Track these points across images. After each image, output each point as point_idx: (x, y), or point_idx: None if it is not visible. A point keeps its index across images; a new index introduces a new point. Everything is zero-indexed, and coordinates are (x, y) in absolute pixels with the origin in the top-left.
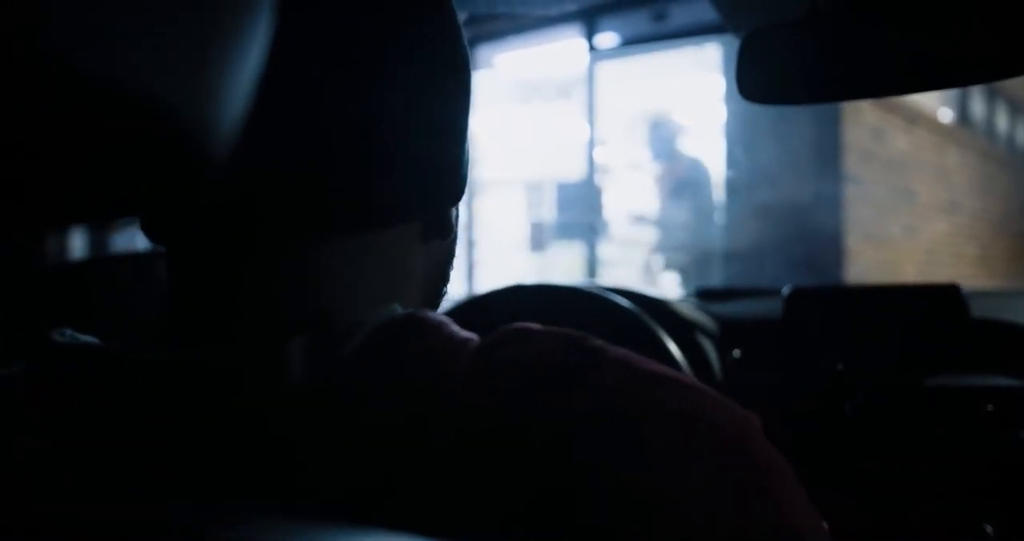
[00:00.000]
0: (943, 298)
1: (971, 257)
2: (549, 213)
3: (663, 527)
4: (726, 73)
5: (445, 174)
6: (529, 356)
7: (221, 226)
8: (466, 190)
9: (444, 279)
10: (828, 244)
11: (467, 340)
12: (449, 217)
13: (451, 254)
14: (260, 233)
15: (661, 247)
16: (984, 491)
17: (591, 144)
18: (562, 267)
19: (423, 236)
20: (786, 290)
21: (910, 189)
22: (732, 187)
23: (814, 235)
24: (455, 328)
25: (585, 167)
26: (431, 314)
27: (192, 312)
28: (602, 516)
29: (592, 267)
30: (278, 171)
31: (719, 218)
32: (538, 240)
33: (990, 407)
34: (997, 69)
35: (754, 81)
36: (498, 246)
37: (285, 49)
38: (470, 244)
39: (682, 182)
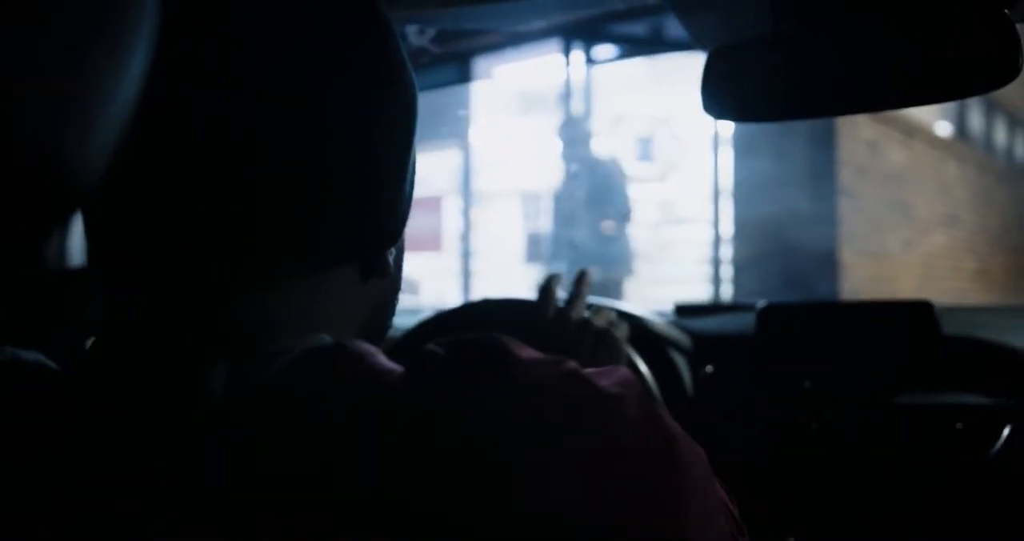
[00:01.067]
0: (915, 315)
1: (969, 271)
2: (546, 224)
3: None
4: None
5: (380, 217)
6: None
7: (153, 256)
8: (401, 232)
9: (386, 315)
10: (822, 258)
11: (388, 371)
12: (385, 258)
13: (394, 291)
14: (189, 265)
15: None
16: (953, 509)
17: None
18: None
19: (362, 275)
20: (759, 306)
21: (907, 203)
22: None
23: (808, 250)
24: (379, 359)
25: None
26: (356, 344)
27: (120, 335)
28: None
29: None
30: (211, 207)
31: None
32: (535, 252)
33: (959, 425)
34: (959, 88)
35: (718, 98)
36: (496, 258)
37: (213, 89)
38: (467, 255)
39: (595, 189)
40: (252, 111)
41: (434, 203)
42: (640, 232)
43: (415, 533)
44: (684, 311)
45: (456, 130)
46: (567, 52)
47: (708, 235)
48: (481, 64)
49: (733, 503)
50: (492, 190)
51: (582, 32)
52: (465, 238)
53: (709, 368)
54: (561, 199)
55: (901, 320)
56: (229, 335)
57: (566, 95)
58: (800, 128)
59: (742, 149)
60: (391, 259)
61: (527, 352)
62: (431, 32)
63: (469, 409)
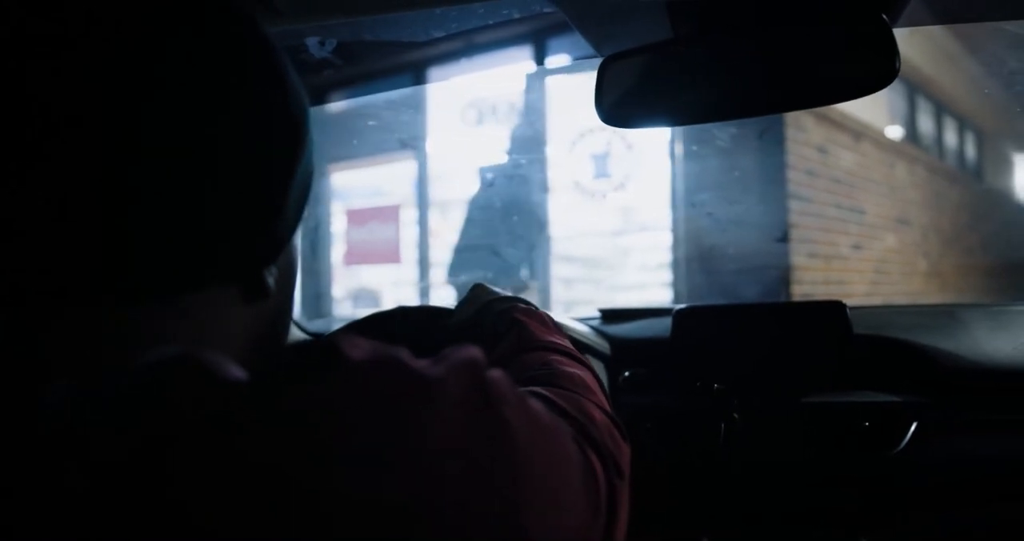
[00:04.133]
0: (827, 316)
1: (921, 272)
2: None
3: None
4: None
5: (253, 238)
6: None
7: (10, 284)
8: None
9: (276, 335)
10: (774, 262)
11: (227, 379)
12: (262, 279)
13: (281, 311)
14: (54, 286)
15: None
16: (861, 506)
17: (544, 164)
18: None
19: (243, 298)
20: (676, 309)
21: (857, 205)
22: (677, 203)
23: (760, 253)
24: (221, 368)
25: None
26: (200, 354)
27: None
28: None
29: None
30: (77, 227)
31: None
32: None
33: (867, 423)
34: (843, 91)
35: (613, 104)
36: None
37: (81, 106)
38: (425, 265)
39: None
40: (118, 131)
41: (392, 213)
42: (600, 240)
43: None
44: (608, 316)
45: (413, 140)
46: (540, 58)
47: (667, 241)
48: (435, 74)
49: (613, 470)
50: (450, 199)
51: (549, 40)
52: (423, 248)
53: (627, 373)
54: (479, 209)
55: (813, 321)
56: (91, 355)
57: (522, 106)
58: (749, 133)
59: (692, 155)
60: (271, 280)
61: (359, 350)
62: (332, 44)
63: (285, 422)
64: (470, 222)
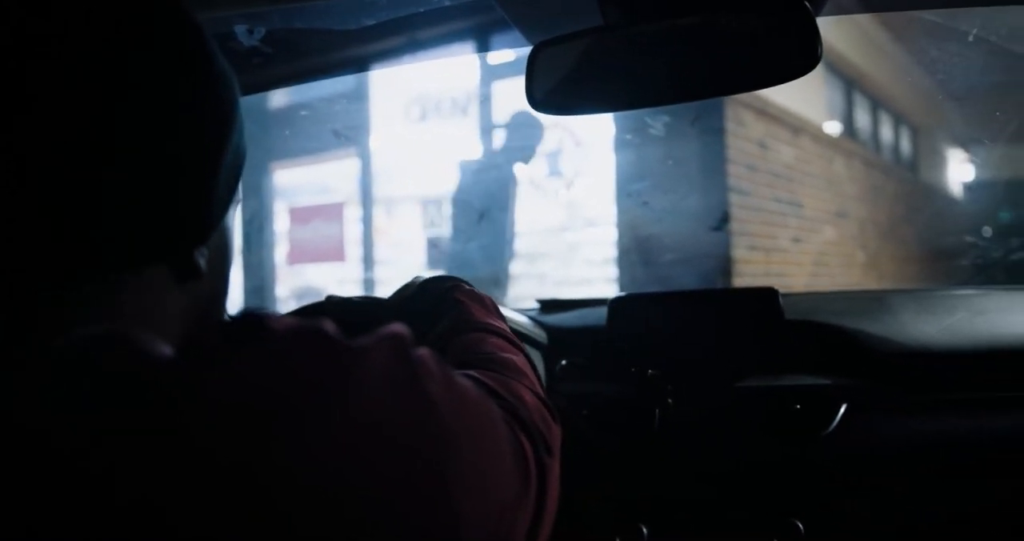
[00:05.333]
0: (759, 302)
1: (859, 264)
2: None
3: None
4: None
5: (178, 218)
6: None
7: None
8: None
9: (212, 316)
10: (715, 254)
11: (153, 354)
12: (193, 260)
13: (216, 293)
14: None
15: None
16: (793, 488)
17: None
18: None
19: (176, 278)
20: (612, 298)
21: (797, 199)
22: (622, 199)
23: (701, 246)
24: (149, 345)
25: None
26: (127, 332)
27: None
28: None
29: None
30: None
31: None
32: (436, 257)
33: (798, 406)
34: (768, 76)
35: (544, 91)
36: (400, 265)
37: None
38: (369, 263)
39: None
40: (45, 116)
41: (336, 211)
42: (547, 236)
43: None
44: (547, 306)
45: (355, 137)
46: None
47: (613, 236)
48: (380, 69)
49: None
50: (394, 196)
51: (493, 35)
52: (367, 245)
53: (564, 361)
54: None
55: (746, 307)
56: (30, 336)
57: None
58: (689, 128)
59: (634, 151)
60: (202, 261)
61: (282, 323)
62: (261, 32)
63: (209, 397)
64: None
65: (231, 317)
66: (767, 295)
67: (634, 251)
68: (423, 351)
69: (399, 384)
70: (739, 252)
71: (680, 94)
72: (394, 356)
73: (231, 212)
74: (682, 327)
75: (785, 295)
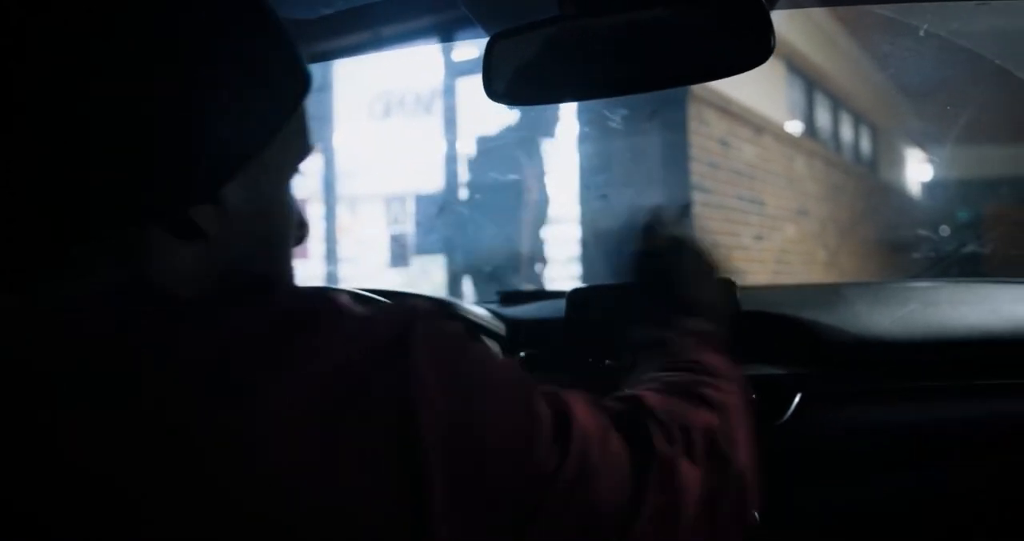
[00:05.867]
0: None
1: (820, 262)
2: (410, 227)
3: None
4: None
5: (163, 175)
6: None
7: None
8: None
9: (240, 276)
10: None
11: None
12: (189, 219)
13: (244, 254)
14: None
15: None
16: None
17: (451, 158)
18: (427, 280)
19: (176, 236)
20: (570, 290)
21: (758, 197)
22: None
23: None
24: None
25: (445, 181)
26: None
27: None
28: None
29: (456, 279)
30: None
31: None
32: (399, 254)
33: (753, 396)
34: (722, 68)
35: (501, 82)
36: (364, 262)
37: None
38: (332, 260)
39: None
40: (29, 72)
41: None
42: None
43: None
44: (507, 299)
45: (317, 133)
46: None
47: (577, 234)
48: (342, 66)
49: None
50: (358, 194)
51: (457, 31)
52: (330, 243)
53: (523, 353)
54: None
55: None
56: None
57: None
58: (652, 126)
59: (596, 148)
60: (207, 221)
61: (294, 289)
62: None
63: (162, 350)
64: None
65: (254, 279)
66: (724, 286)
67: (597, 249)
68: (451, 326)
69: (385, 351)
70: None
71: (634, 85)
72: (389, 328)
73: (266, 172)
74: (640, 318)
75: (742, 288)
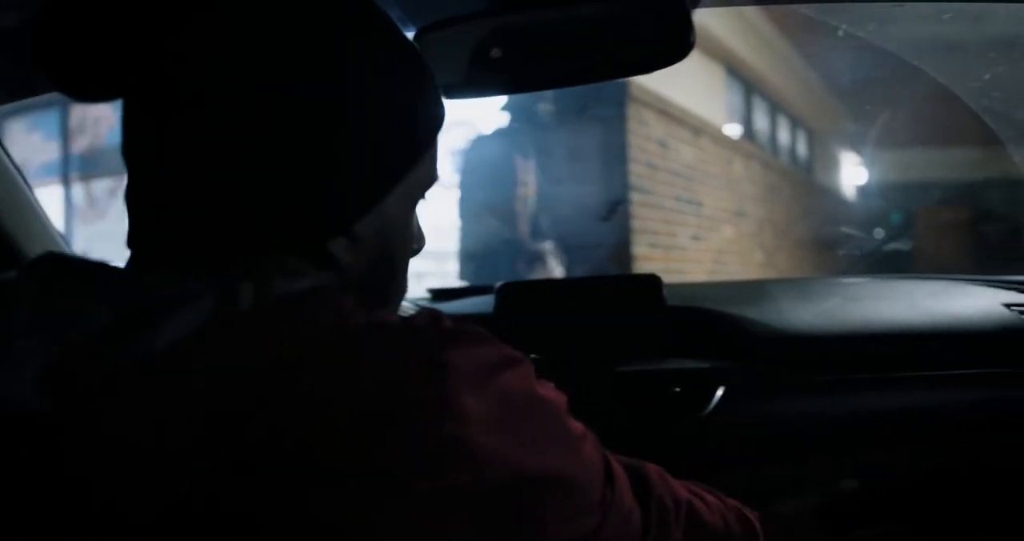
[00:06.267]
0: (642, 288)
1: (757, 263)
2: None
3: None
4: None
5: (305, 215)
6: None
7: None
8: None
9: (366, 301)
10: (617, 251)
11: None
12: (327, 250)
13: (370, 280)
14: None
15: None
16: (672, 469)
17: None
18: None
19: (313, 265)
20: (498, 285)
21: (696, 198)
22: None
23: (603, 243)
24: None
25: None
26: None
27: None
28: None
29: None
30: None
31: None
32: None
33: (677, 389)
34: (643, 63)
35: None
36: None
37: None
38: None
39: None
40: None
41: None
42: (450, 233)
43: None
44: (437, 295)
45: None
46: None
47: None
48: None
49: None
50: None
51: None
52: None
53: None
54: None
55: (630, 293)
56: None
57: None
58: (592, 127)
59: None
60: (341, 252)
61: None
62: None
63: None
64: None
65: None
66: (650, 282)
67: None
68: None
69: (417, 351)
70: (640, 249)
71: (558, 80)
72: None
73: (396, 206)
74: (567, 313)
75: (669, 285)
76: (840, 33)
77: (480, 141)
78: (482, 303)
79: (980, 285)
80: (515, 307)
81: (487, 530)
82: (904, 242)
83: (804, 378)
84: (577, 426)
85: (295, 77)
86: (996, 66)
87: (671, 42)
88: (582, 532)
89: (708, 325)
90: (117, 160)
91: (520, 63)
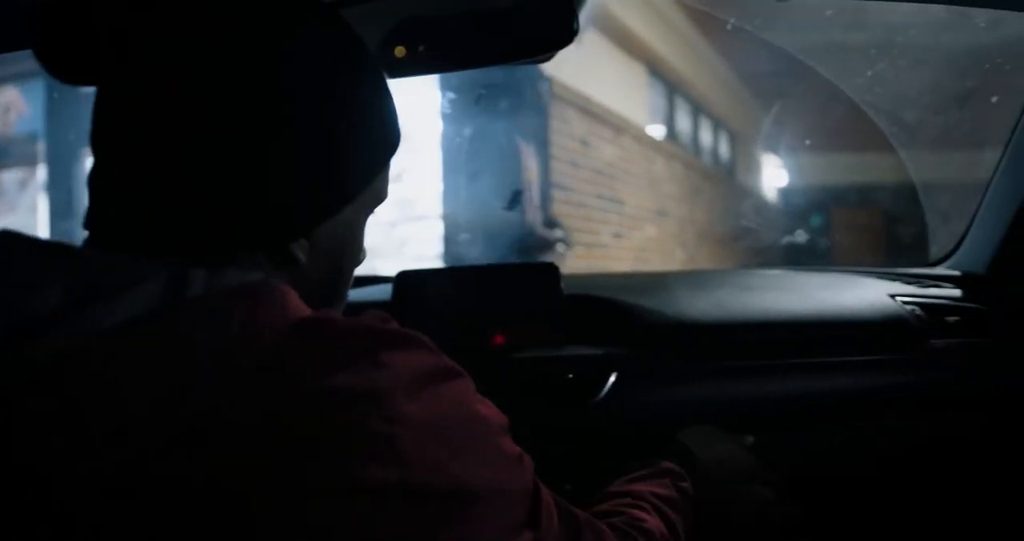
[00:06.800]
0: (540, 276)
1: (678, 261)
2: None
3: None
4: (441, 85)
5: (272, 216)
6: None
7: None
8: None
9: (316, 302)
10: (536, 248)
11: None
12: (288, 250)
13: (322, 281)
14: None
15: None
16: (565, 455)
17: None
18: None
19: (274, 263)
20: (397, 273)
21: (618, 196)
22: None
23: (525, 240)
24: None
25: None
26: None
27: None
28: None
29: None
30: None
31: None
32: None
33: (570, 376)
34: (528, 50)
35: None
36: None
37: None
38: None
39: None
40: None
41: None
42: (377, 230)
43: None
44: None
45: None
46: None
47: (439, 231)
48: None
49: None
50: None
51: None
52: None
53: None
54: None
55: (527, 281)
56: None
57: None
58: (514, 125)
59: (457, 146)
60: (301, 252)
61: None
62: None
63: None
64: None
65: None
66: (548, 270)
67: (457, 244)
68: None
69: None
70: (561, 247)
71: (431, 67)
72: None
73: (352, 215)
74: (465, 300)
75: (568, 275)
76: (728, 27)
77: (481, 125)
78: (381, 291)
79: (870, 277)
80: (413, 294)
81: (409, 533)
82: (823, 241)
83: (696, 365)
84: (513, 448)
85: (265, 84)
86: (877, 63)
87: (555, 29)
88: None
89: (603, 313)
90: (29, 151)
91: (411, 46)
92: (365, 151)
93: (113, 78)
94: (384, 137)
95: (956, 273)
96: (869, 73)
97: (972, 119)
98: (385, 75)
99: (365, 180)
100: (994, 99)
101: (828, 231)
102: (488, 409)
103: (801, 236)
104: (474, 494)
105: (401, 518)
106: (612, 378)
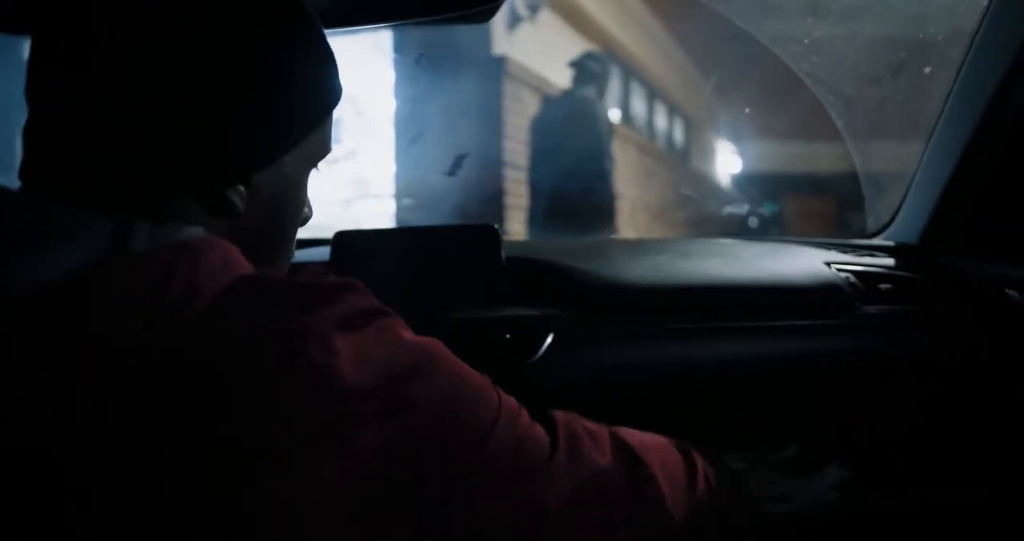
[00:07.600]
0: (479, 238)
1: None
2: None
3: None
4: (396, 64)
5: (208, 158)
6: None
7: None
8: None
9: (260, 256)
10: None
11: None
12: (225, 197)
13: (259, 232)
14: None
15: None
16: None
17: None
18: None
19: (208, 212)
20: (334, 234)
21: None
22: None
23: (474, 219)
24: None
25: None
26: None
27: None
28: None
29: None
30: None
31: None
32: None
33: (508, 336)
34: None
35: None
36: None
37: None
38: None
39: None
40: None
41: None
42: (331, 208)
43: None
44: None
45: None
46: None
47: (392, 209)
48: None
49: None
50: None
51: None
52: None
53: None
54: None
55: (467, 243)
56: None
57: None
58: (468, 106)
59: (411, 123)
60: (238, 200)
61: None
62: None
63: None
64: None
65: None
66: (488, 232)
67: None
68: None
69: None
70: (513, 226)
71: (348, 20)
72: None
73: (292, 168)
74: (404, 262)
75: (509, 242)
76: (720, 25)
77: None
78: (319, 253)
79: (807, 246)
80: (352, 256)
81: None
82: (775, 227)
83: (633, 326)
84: (460, 366)
85: (204, 31)
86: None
87: None
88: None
89: (542, 275)
90: None
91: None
92: (305, 102)
93: (48, 27)
94: (322, 90)
95: (890, 243)
96: (806, 41)
97: (906, 91)
98: (324, 30)
99: (302, 130)
100: (927, 70)
101: (781, 217)
102: (421, 338)
103: (747, 210)
104: (421, 412)
105: (345, 446)
106: (549, 339)
